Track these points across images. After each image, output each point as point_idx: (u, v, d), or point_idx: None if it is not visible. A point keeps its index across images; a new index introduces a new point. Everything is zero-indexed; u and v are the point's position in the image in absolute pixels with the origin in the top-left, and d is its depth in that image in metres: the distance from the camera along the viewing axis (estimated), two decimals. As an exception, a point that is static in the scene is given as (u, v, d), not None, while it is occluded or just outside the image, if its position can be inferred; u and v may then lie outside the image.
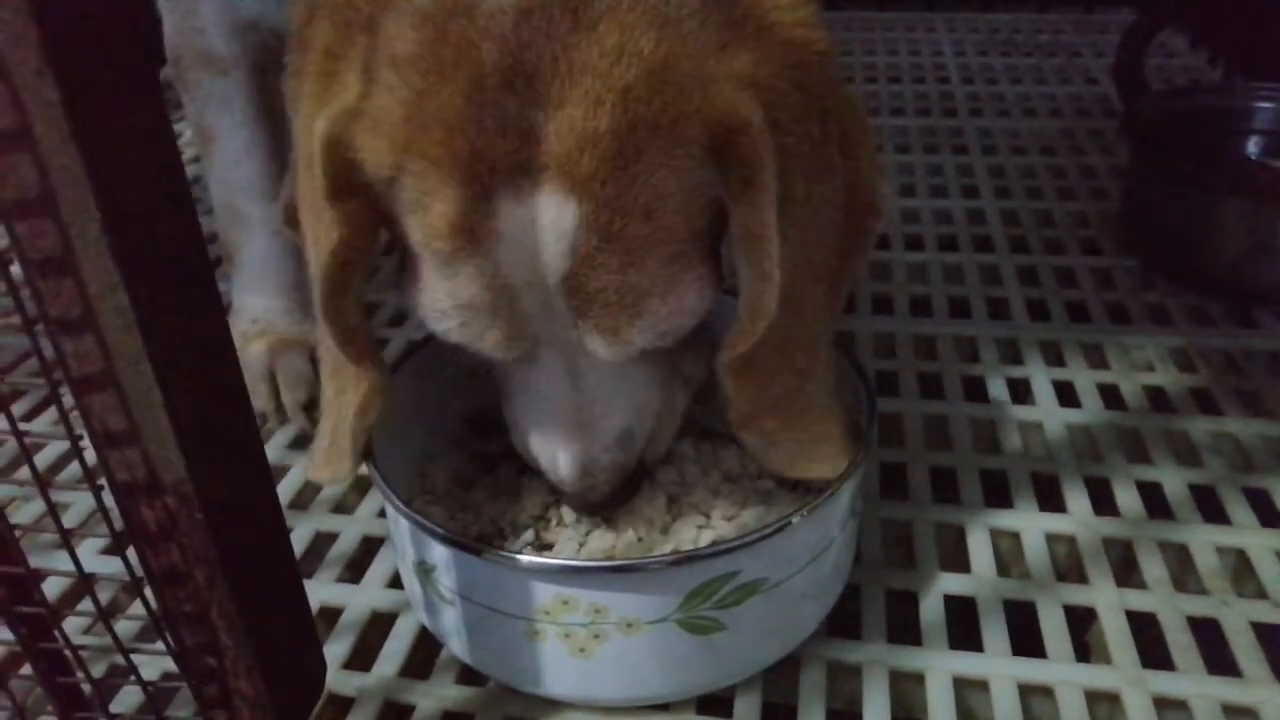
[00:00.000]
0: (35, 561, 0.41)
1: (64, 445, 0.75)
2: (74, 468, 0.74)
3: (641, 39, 0.42)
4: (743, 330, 0.47)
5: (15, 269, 0.33)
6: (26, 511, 0.69)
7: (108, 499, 0.38)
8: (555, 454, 0.52)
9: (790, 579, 0.51)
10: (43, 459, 0.75)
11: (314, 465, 0.55)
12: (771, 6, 0.46)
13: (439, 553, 0.51)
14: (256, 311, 0.78)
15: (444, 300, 0.46)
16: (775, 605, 0.51)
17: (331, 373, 0.53)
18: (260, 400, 0.76)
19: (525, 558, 0.48)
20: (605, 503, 0.54)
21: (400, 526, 0.53)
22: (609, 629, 0.49)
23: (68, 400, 0.35)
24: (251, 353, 0.76)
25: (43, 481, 0.38)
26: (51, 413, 0.80)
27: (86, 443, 0.37)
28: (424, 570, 0.53)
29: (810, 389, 0.52)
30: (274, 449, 0.75)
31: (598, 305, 0.44)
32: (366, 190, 0.45)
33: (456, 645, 0.54)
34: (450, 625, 0.53)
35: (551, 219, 0.42)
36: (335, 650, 0.58)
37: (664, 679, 0.51)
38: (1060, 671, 0.55)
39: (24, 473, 0.73)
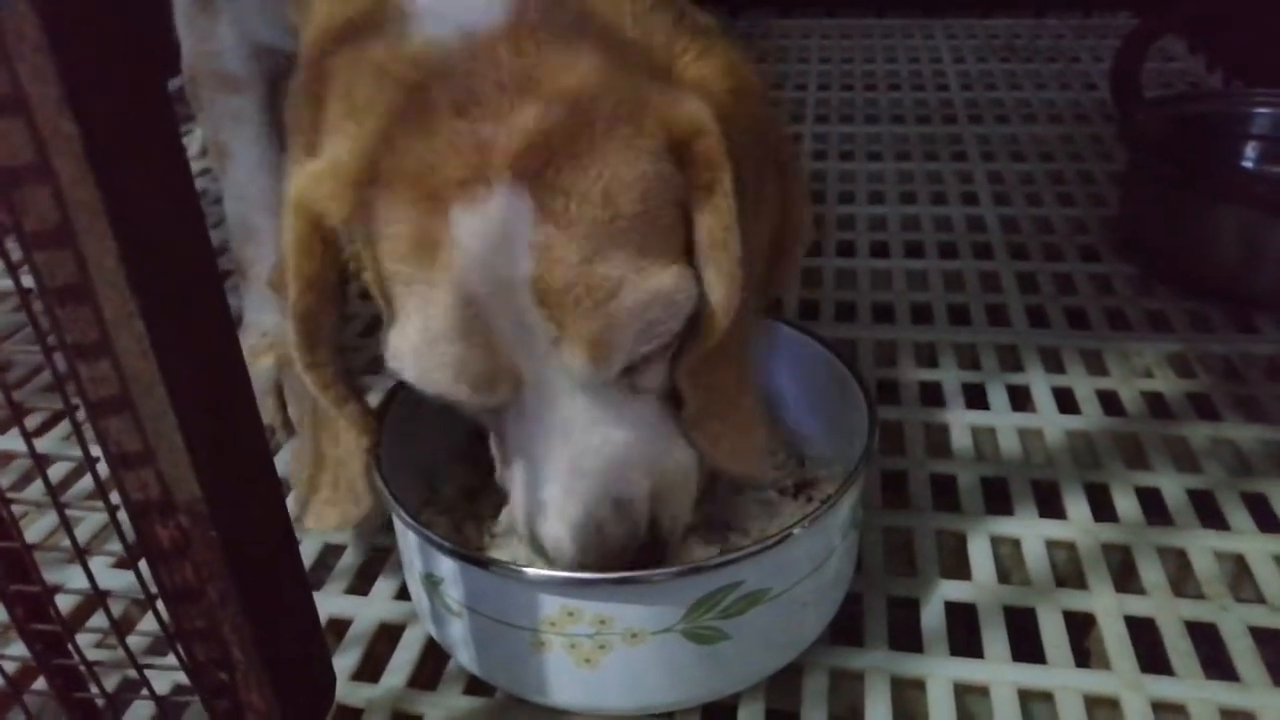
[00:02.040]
0: (47, 577, 0.42)
1: (74, 460, 0.76)
2: (83, 484, 0.75)
3: (589, 56, 0.45)
4: (707, 329, 0.48)
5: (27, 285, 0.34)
6: (37, 527, 0.70)
7: (121, 516, 0.39)
8: (552, 524, 0.49)
9: (793, 589, 0.52)
10: (52, 474, 0.75)
11: (316, 516, 0.56)
12: (712, 40, 0.49)
13: (446, 565, 0.52)
14: (266, 326, 0.79)
15: (415, 337, 0.46)
16: (778, 614, 0.52)
17: (317, 425, 0.55)
18: (267, 414, 0.77)
19: (531, 570, 0.49)
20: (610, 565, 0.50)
21: (407, 539, 0.54)
22: (614, 639, 0.50)
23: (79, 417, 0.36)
24: (259, 367, 0.77)
25: (57, 499, 0.39)
26: (60, 427, 0.81)
27: (98, 459, 0.37)
28: (431, 582, 0.54)
29: (742, 394, 0.53)
30: (280, 463, 0.76)
31: (570, 307, 0.44)
32: (330, 243, 0.47)
33: (464, 656, 0.55)
34: (457, 636, 0.54)
35: (506, 216, 0.43)
36: (344, 662, 0.59)
37: (669, 688, 0.52)
38: (1060, 677, 0.56)
39: (34, 489, 0.74)
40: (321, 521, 0.55)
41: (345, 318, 0.52)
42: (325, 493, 0.55)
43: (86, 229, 0.31)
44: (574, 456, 0.48)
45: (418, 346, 0.46)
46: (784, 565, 0.51)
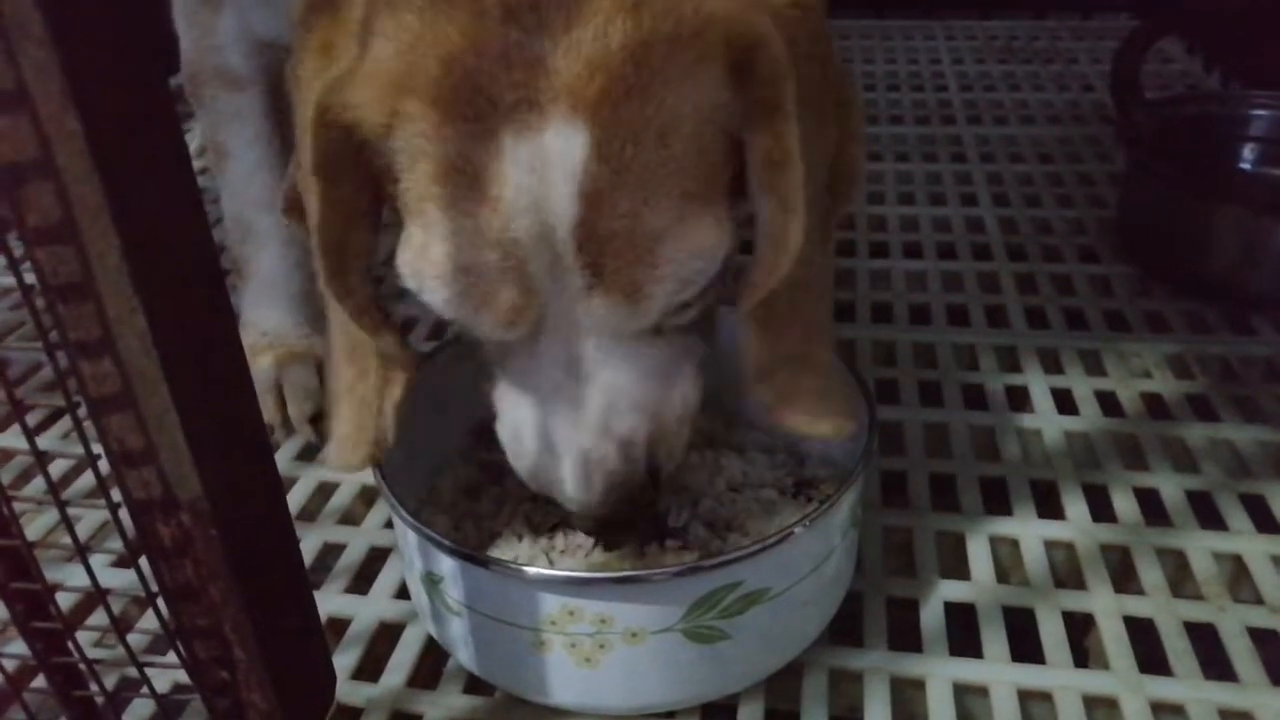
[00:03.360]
0: (47, 574, 0.42)
1: (74, 459, 0.76)
2: (83, 482, 0.75)
3: None
4: (767, 268, 0.45)
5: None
6: (37, 525, 0.70)
7: (121, 514, 0.39)
8: (555, 462, 0.48)
9: (792, 588, 0.52)
10: (55, 469, 0.75)
11: (336, 452, 0.52)
12: None
13: (446, 564, 0.52)
14: (265, 325, 0.79)
15: (442, 264, 0.43)
16: (778, 614, 0.52)
17: (348, 356, 0.50)
18: (267, 413, 0.76)
19: (531, 569, 0.49)
20: (614, 519, 0.50)
21: (407, 537, 0.54)
22: (614, 639, 0.50)
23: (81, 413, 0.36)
24: (259, 365, 0.77)
25: (58, 496, 0.39)
26: (60, 425, 0.81)
27: (100, 457, 0.37)
28: (431, 581, 0.54)
29: (815, 344, 0.51)
30: (281, 460, 0.76)
31: (611, 256, 0.41)
32: (361, 158, 0.43)
33: (463, 655, 0.55)
34: (457, 635, 0.54)
35: (561, 154, 0.40)
36: (344, 661, 0.59)
37: (669, 688, 0.52)
38: (1059, 677, 0.56)
39: (34, 487, 0.74)
40: (342, 459, 0.51)
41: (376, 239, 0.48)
42: (346, 427, 0.51)
43: (89, 226, 0.31)
44: (586, 396, 0.46)
45: (444, 272, 0.43)
46: (784, 565, 0.51)
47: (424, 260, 0.43)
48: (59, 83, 0.29)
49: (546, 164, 0.40)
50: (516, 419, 0.49)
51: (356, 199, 0.44)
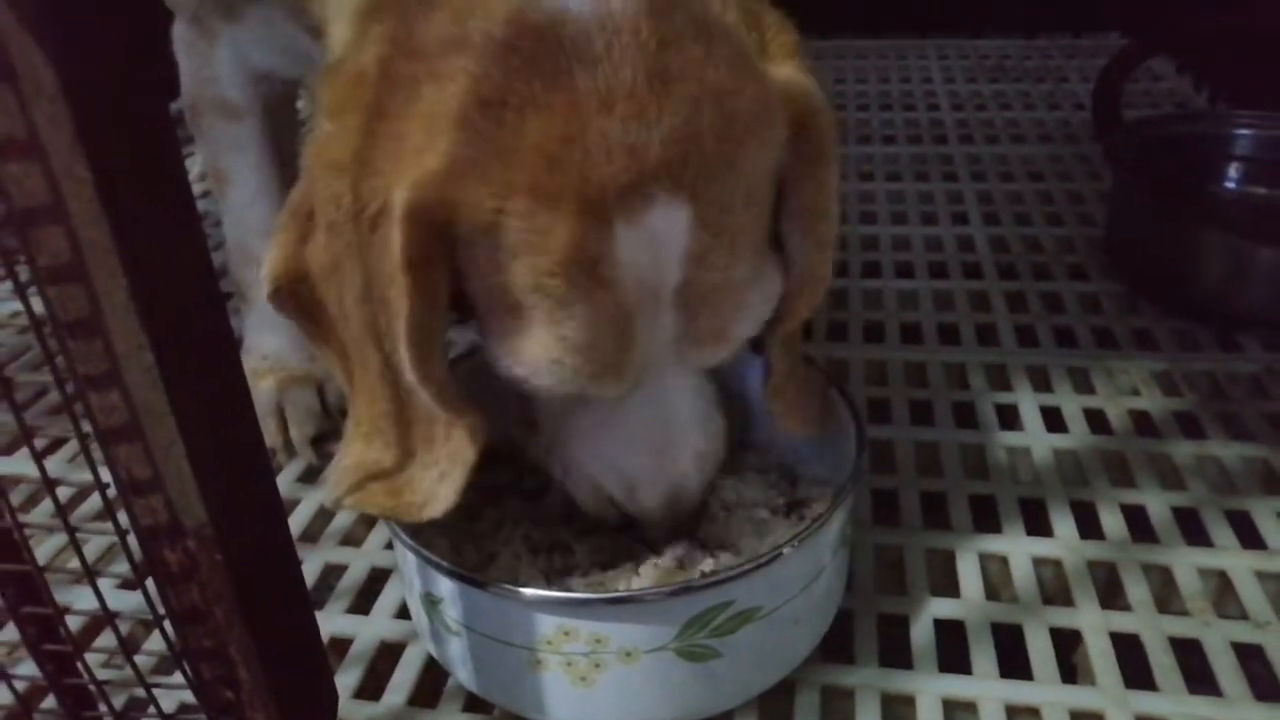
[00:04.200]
0: (55, 597, 0.43)
1: (76, 485, 0.77)
2: (90, 505, 0.76)
3: (718, 44, 0.44)
4: (803, 301, 0.52)
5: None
6: (45, 548, 0.71)
7: (128, 538, 0.40)
8: (645, 483, 0.53)
9: (783, 607, 0.53)
10: (60, 494, 0.76)
11: (413, 507, 0.52)
12: (768, 11, 0.50)
13: (444, 585, 0.53)
14: (267, 349, 0.80)
15: (556, 348, 0.45)
16: (769, 632, 0.53)
17: (425, 421, 0.50)
18: (269, 436, 0.78)
19: (528, 590, 0.50)
20: (685, 525, 0.56)
21: (407, 559, 0.55)
22: (609, 658, 0.51)
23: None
24: (261, 389, 0.78)
25: (67, 521, 0.40)
26: (67, 448, 0.82)
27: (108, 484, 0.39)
28: (430, 601, 0.55)
29: (808, 359, 0.62)
30: (283, 483, 0.77)
31: (706, 309, 0.46)
32: (448, 256, 0.45)
33: (462, 674, 0.56)
34: (456, 655, 0.55)
35: (667, 231, 0.43)
36: (346, 680, 0.60)
37: (663, 706, 0.53)
38: (1046, 693, 0.57)
39: (40, 510, 0.75)
40: (426, 512, 0.52)
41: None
42: (425, 493, 0.52)
43: (98, 266, 0.33)
44: (674, 427, 0.52)
45: (560, 358, 0.46)
46: (774, 584, 0.52)
47: (535, 348, 0.46)
48: (69, 133, 0.30)
49: (656, 241, 0.44)
50: (609, 453, 0.53)
51: (439, 290, 0.45)
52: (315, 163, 0.47)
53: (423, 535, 0.60)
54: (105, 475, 0.38)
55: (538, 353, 0.46)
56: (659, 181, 0.42)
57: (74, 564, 0.41)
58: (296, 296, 0.50)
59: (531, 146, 0.42)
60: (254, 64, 0.71)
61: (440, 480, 0.51)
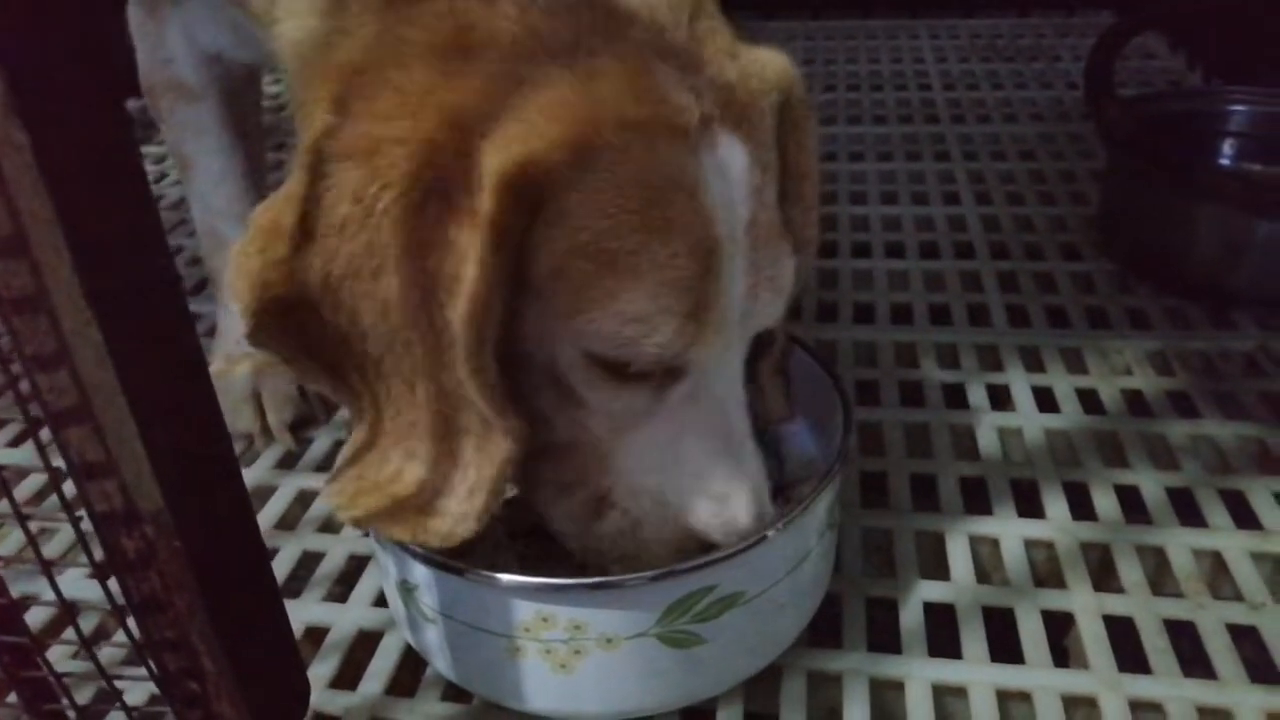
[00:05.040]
0: (19, 589, 0.41)
1: (43, 474, 0.75)
2: (54, 497, 0.74)
3: (718, 19, 0.51)
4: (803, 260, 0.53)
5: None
6: (9, 541, 0.70)
7: (87, 527, 0.39)
8: (736, 491, 0.51)
9: (768, 591, 0.52)
10: (28, 486, 0.75)
11: (439, 531, 0.48)
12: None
13: (420, 572, 0.51)
14: (241, 333, 0.78)
15: (664, 293, 0.45)
16: (754, 617, 0.52)
17: (433, 432, 0.47)
18: (246, 422, 0.76)
19: (505, 576, 0.49)
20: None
21: (383, 546, 0.54)
22: (589, 644, 0.50)
23: (43, 432, 0.36)
24: (237, 375, 0.77)
25: (21, 513, 0.39)
26: (30, 443, 0.80)
27: (64, 473, 0.37)
28: (406, 589, 0.53)
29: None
30: (260, 470, 0.76)
31: (767, 251, 0.48)
32: (521, 226, 0.44)
33: (440, 662, 0.55)
34: (433, 643, 0.54)
35: (734, 161, 0.47)
36: (322, 669, 0.59)
37: (645, 693, 0.52)
38: (1038, 677, 0.56)
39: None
40: (454, 532, 0.48)
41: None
42: (459, 504, 0.48)
43: (41, 239, 0.31)
44: (736, 426, 0.51)
45: (665, 302, 0.45)
46: (758, 568, 0.51)
47: (643, 297, 0.45)
48: (2, 95, 0.29)
49: (728, 171, 0.47)
50: (686, 468, 0.51)
51: (506, 273, 0.44)
52: (321, 158, 0.44)
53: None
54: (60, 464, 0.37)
55: (644, 304, 0.45)
56: (719, 119, 0.46)
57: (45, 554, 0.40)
58: (284, 318, 0.46)
59: (609, 87, 0.44)
60: (204, 45, 0.69)
61: (469, 496, 0.48)
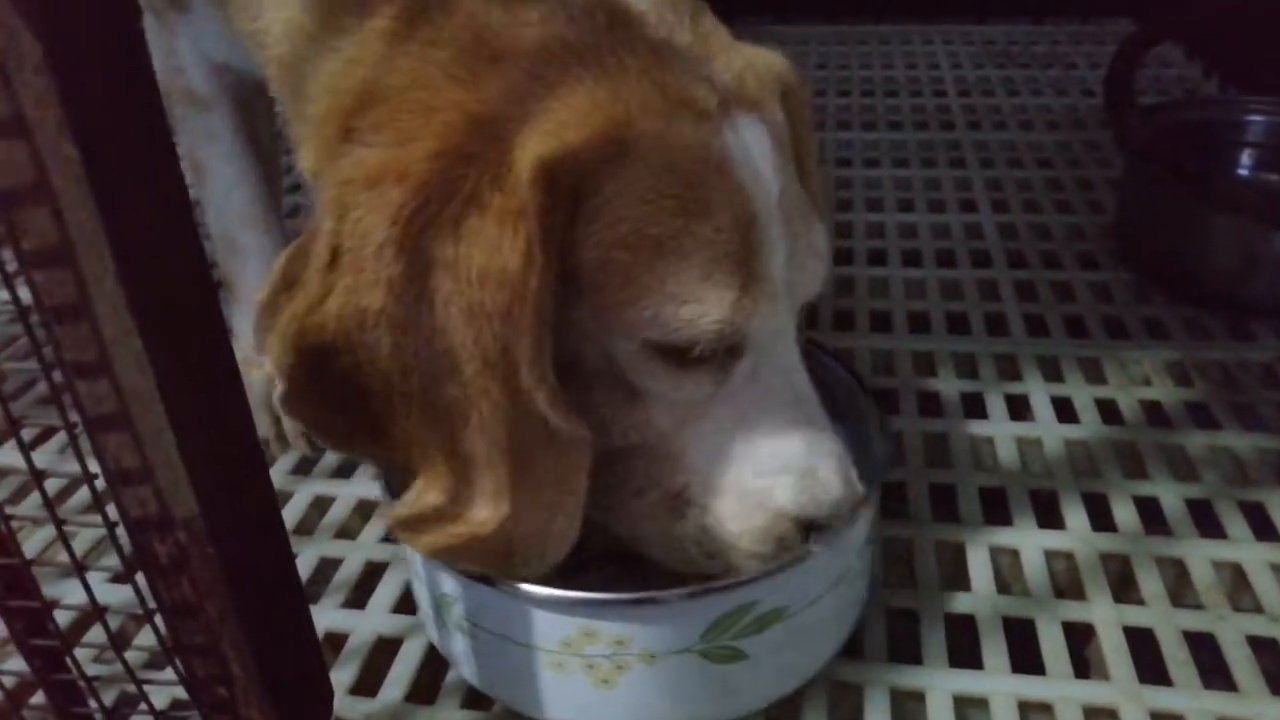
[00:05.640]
0: (45, 591, 0.42)
1: (68, 475, 0.75)
2: (81, 497, 0.75)
3: (715, 20, 0.53)
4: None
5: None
6: (35, 541, 0.70)
7: (119, 531, 0.39)
8: (823, 462, 0.50)
9: (810, 607, 0.51)
10: (50, 486, 0.75)
11: (529, 559, 0.47)
12: None
13: (458, 585, 0.51)
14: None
15: (715, 268, 0.45)
16: (795, 633, 0.52)
17: (504, 454, 0.45)
18: (262, 428, 0.76)
19: (547, 591, 0.48)
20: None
21: (419, 558, 0.53)
22: (631, 660, 0.49)
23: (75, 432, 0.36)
24: (253, 380, 0.77)
25: (54, 513, 0.39)
26: (57, 440, 0.80)
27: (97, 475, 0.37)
28: (442, 601, 0.53)
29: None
30: (277, 475, 0.76)
31: (800, 219, 0.49)
32: (563, 221, 0.44)
33: (470, 672, 0.55)
34: (467, 653, 0.54)
35: (756, 140, 0.48)
36: (342, 675, 0.59)
37: (686, 709, 0.52)
38: (1059, 688, 0.56)
39: (30, 502, 0.74)
40: (532, 567, 0.48)
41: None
42: (539, 549, 0.47)
43: (86, 249, 0.31)
44: (811, 401, 0.52)
45: (717, 277, 0.46)
46: (801, 584, 0.51)
47: (694, 278, 0.46)
48: (56, 110, 0.29)
49: (751, 148, 0.48)
50: (788, 439, 0.50)
51: (552, 273, 0.44)
52: (349, 189, 0.43)
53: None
54: (96, 467, 0.37)
55: (696, 283, 0.46)
56: (734, 103, 0.48)
57: (65, 557, 0.40)
58: (320, 372, 0.44)
59: (632, 83, 0.45)
60: (212, 55, 0.69)
61: (551, 518, 0.46)
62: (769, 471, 0.50)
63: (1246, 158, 1.00)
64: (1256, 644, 0.58)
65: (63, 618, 0.62)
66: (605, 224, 0.45)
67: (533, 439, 0.45)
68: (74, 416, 0.36)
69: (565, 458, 0.46)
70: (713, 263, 0.46)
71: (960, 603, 0.62)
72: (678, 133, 0.45)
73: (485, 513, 0.46)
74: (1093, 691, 0.56)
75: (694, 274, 0.46)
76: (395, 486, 0.54)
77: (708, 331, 0.46)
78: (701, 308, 0.46)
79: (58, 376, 0.35)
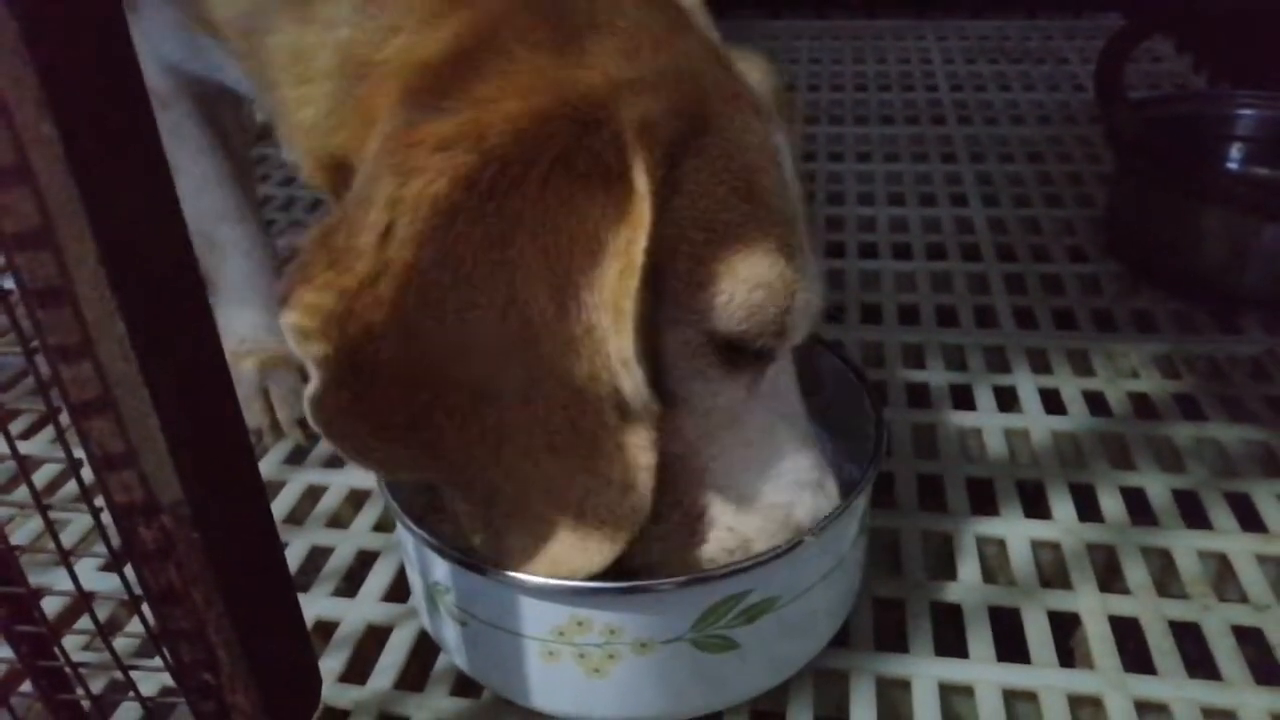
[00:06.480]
0: (34, 579, 0.42)
1: (61, 463, 0.75)
2: (71, 486, 0.75)
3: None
4: None
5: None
6: (24, 530, 0.70)
7: (105, 518, 0.39)
8: (825, 479, 0.52)
9: (802, 597, 0.52)
10: (40, 477, 0.75)
11: (573, 557, 0.46)
12: None
13: (452, 573, 0.51)
14: (243, 331, 0.78)
15: (775, 255, 0.46)
16: (787, 623, 0.52)
17: (562, 440, 0.43)
18: (254, 418, 0.77)
19: (539, 579, 0.48)
20: None
21: (412, 545, 0.54)
22: (623, 649, 0.49)
23: (63, 420, 0.36)
24: (243, 371, 0.77)
25: (41, 502, 0.39)
26: (47, 431, 0.80)
27: (82, 462, 0.38)
28: (435, 589, 0.53)
29: None
30: (269, 465, 0.76)
31: (808, 225, 0.50)
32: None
33: (463, 660, 0.55)
34: (457, 640, 0.54)
35: (782, 143, 0.49)
36: (331, 663, 0.59)
37: (678, 698, 0.52)
38: (1044, 677, 0.56)
39: (21, 492, 0.74)
40: (586, 561, 0.46)
41: None
42: (574, 536, 0.46)
43: (67, 230, 0.31)
44: (805, 414, 0.52)
45: (779, 267, 0.46)
46: (794, 573, 0.51)
47: (759, 263, 0.45)
48: (34, 89, 0.29)
49: (782, 149, 0.48)
50: (794, 453, 0.51)
51: (657, 241, 0.42)
52: (414, 155, 0.40)
53: (428, 519, 0.58)
54: (81, 455, 0.37)
55: (765, 270, 0.45)
56: (765, 108, 0.49)
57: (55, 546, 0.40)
58: (364, 368, 0.41)
59: (704, 66, 0.46)
60: (162, 54, 0.67)
61: (624, 494, 0.44)
62: (788, 487, 0.50)
63: (1236, 151, 1.00)
64: (1241, 634, 0.59)
65: (53, 606, 0.62)
66: (684, 200, 0.44)
67: (602, 423, 0.43)
68: (59, 403, 0.36)
69: (638, 438, 0.44)
70: (775, 253, 0.46)
71: (947, 592, 0.62)
72: (745, 122, 0.46)
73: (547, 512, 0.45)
74: (1078, 680, 0.56)
75: (763, 261, 0.45)
76: (393, 485, 0.55)
77: (775, 320, 0.46)
78: (770, 293, 0.45)
79: (43, 363, 0.35)
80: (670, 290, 0.44)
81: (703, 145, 0.44)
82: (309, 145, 0.50)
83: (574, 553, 0.46)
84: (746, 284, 0.45)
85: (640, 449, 0.44)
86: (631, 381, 0.42)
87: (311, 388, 0.40)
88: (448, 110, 0.41)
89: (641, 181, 0.41)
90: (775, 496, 0.50)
